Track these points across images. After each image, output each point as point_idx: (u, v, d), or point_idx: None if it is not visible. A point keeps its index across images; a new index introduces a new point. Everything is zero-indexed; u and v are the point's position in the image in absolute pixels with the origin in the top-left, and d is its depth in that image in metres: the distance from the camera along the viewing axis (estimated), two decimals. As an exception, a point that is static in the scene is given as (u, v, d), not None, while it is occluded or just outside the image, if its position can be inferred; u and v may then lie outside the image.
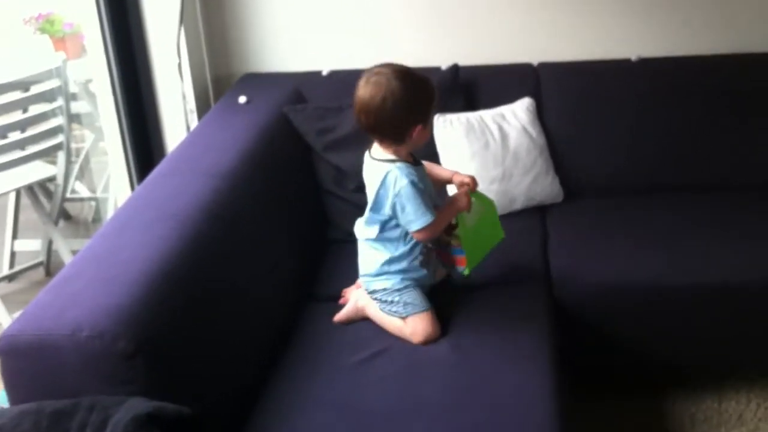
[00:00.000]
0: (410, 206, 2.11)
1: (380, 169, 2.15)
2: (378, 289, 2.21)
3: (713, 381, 2.63)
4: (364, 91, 2.10)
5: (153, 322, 1.63)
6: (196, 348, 1.77)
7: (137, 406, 1.48)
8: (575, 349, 2.40)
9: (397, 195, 2.12)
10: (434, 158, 2.69)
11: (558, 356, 2.09)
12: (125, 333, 1.56)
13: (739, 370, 2.64)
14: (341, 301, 2.33)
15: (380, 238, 2.20)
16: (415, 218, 2.12)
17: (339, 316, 2.26)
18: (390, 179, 2.13)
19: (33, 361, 1.60)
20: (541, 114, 2.92)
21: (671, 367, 2.59)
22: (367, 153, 2.23)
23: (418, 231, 2.14)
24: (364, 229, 2.23)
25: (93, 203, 4.19)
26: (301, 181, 2.70)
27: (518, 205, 2.80)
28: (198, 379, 1.75)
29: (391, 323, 2.19)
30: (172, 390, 1.63)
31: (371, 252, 2.23)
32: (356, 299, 2.27)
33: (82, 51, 3.73)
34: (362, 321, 2.24)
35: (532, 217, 2.78)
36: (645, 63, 3.00)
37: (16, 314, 2.39)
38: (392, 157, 2.16)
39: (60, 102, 3.41)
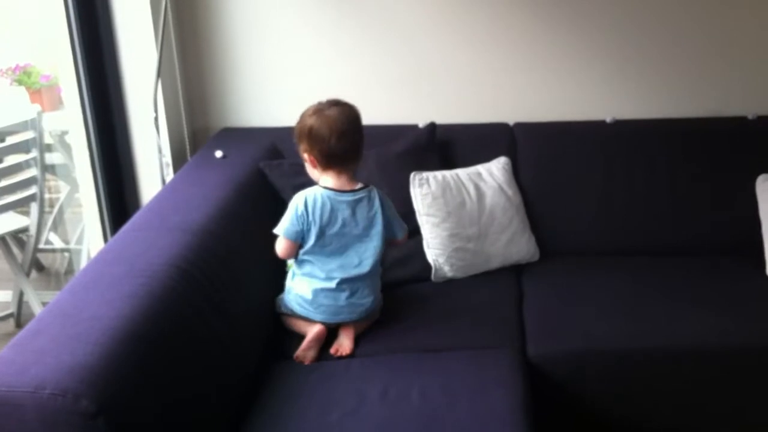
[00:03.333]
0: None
1: (366, 196, 2.41)
2: None
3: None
4: (337, 113, 2.36)
5: (117, 382, 1.59)
6: (161, 408, 1.72)
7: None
8: (549, 411, 2.37)
9: (390, 208, 2.47)
10: (411, 216, 2.69)
11: (531, 418, 2.06)
12: (87, 392, 1.52)
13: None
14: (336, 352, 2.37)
15: None
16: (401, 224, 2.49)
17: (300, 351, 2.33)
18: (381, 199, 2.44)
19: (-5, 417, 1.56)
20: (516, 173, 2.94)
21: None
22: (327, 195, 2.36)
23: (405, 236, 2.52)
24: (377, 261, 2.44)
25: (66, 254, 4.15)
26: (275, 236, 2.68)
27: (495, 264, 2.80)
28: (162, 440, 1.71)
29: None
30: (135, 451, 1.60)
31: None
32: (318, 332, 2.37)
33: (58, 103, 3.73)
34: (329, 379, 2.21)
35: (508, 276, 2.78)
36: (620, 124, 3.04)
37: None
38: (361, 184, 2.42)
39: (34, 153, 3.40)
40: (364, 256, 2.41)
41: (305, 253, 2.39)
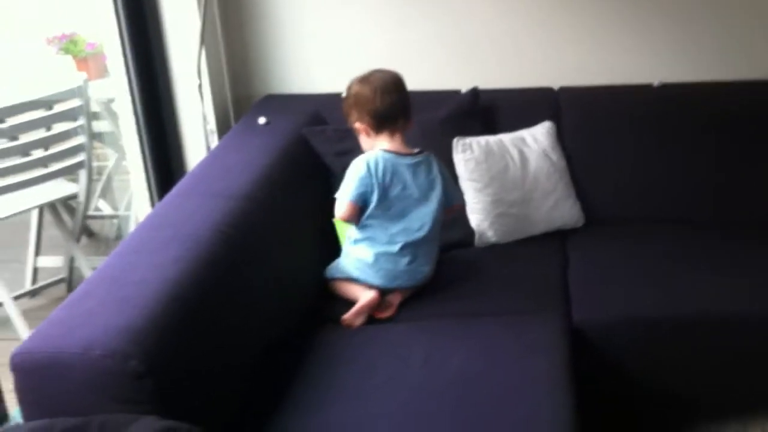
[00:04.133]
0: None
1: (425, 161, 2.45)
2: None
3: (738, 421, 2.55)
4: (379, 75, 2.44)
5: (164, 343, 1.63)
6: (207, 370, 1.76)
7: (149, 425, 1.47)
8: (594, 378, 2.36)
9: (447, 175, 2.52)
10: (455, 181, 2.68)
11: (574, 384, 2.05)
12: (136, 353, 1.56)
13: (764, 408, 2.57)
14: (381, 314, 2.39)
15: None
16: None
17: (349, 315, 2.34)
18: (439, 164, 2.49)
19: (45, 378, 1.60)
20: (561, 138, 2.90)
21: (694, 400, 2.51)
22: (388, 157, 2.38)
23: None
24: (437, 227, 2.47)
25: (115, 221, 4.22)
26: (320, 202, 2.69)
27: (538, 230, 2.78)
28: (209, 401, 1.75)
29: None
30: (183, 411, 1.62)
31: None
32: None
33: (104, 71, 3.77)
34: (371, 344, 2.22)
35: (552, 242, 2.76)
36: (667, 88, 2.98)
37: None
38: (418, 149, 2.46)
39: (82, 121, 3.44)
40: (425, 220, 2.43)
41: (368, 217, 2.41)
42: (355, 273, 2.43)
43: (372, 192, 2.38)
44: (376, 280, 2.41)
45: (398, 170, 2.40)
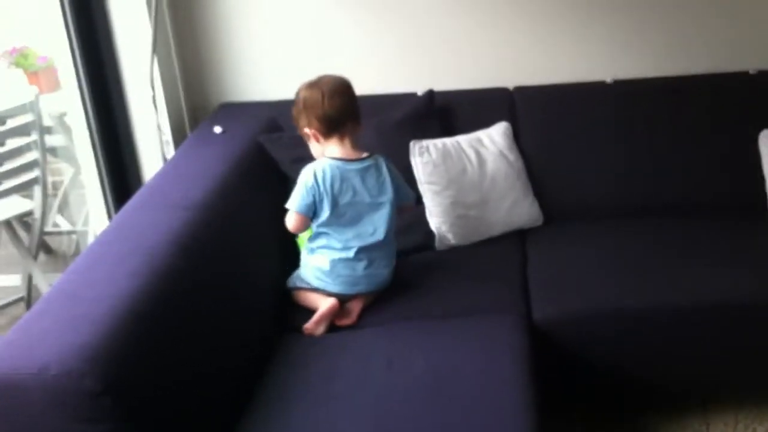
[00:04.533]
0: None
1: (374, 164, 2.44)
2: None
3: (699, 405, 2.61)
4: (327, 79, 2.42)
5: (121, 360, 1.61)
6: (167, 385, 1.74)
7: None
8: (555, 375, 2.38)
9: (397, 175, 2.51)
10: (412, 184, 2.68)
11: (537, 382, 2.06)
12: (92, 371, 1.54)
13: (724, 392, 2.62)
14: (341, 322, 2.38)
15: None
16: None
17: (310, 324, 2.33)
18: (388, 166, 2.48)
19: (2, 399, 1.56)
20: (517, 138, 2.92)
21: (655, 391, 2.55)
22: (336, 164, 2.38)
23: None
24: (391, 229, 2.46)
25: (74, 236, 4.15)
26: (278, 210, 2.68)
27: (498, 230, 2.79)
28: (169, 418, 1.72)
29: None
30: (146, 426, 1.61)
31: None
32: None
33: (56, 85, 3.72)
34: (335, 350, 2.22)
35: (512, 242, 2.78)
36: (620, 85, 3.01)
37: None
38: (366, 153, 2.44)
39: (35, 136, 3.39)
40: (378, 224, 2.43)
41: (321, 225, 2.40)
42: (314, 282, 2.43)
43: (321, 201, 2.37)
44: (336, 288, 2.40)
45: (347, 177, 2.39)
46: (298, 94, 2.46)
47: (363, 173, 2.42)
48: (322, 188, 2.37)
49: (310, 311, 2.40)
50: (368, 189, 2.41)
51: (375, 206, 2.43)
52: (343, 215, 2.39)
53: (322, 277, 2.41)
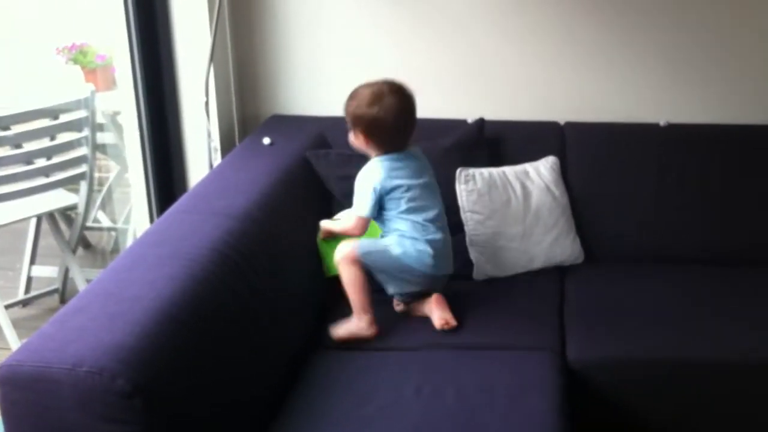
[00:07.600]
0: None
1: (413, 153, 2.50)
2: None
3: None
4: (396, 103, 2.41)
5: (154, 363, 1.61)
6: (197, 392, 1.73)
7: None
8: (586, 416, 2.34)
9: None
10: (456, 211, 2.67)
11: (568, 424, 2.03)
12: (125, 371, 1.54)
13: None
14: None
15: None
16: None
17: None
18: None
19: (31, 392, 1.57)
20: (565, 173, 2.89)
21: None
22: (386, 161, 2.43)
23: None
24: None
25: (113, 233, 4.20)
26: (318, 227, 2.68)
27: (537, 264, 2.76)
28: (197, 424, 1.72)
29: None
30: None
31: None
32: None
33: (112, 83, 3.77)
34: (366, 371, 2.21)
35: (551, 277, 2.75)
36: (673, 129, 2.98)
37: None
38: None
39: (86, 132, 3.44)
40: (436, 202, 2.50)
41: (399, 216, 2.44)
42: (417, 266, 2.45)
43: (388, 195, 2.42)
44: (431, 269, 2.46)
45: (398, 167, 2.44)
46: (361, 105, 2.43)
47: (407, 159, 2.47)
48: (380, 186, 2.41)
49: (348, 311, 2.42)
50: (420, 172, 2.47)
51: (429, 185, 2.49)
52: (412, 200, 2.43)
53: (426, 260, 2.44)
